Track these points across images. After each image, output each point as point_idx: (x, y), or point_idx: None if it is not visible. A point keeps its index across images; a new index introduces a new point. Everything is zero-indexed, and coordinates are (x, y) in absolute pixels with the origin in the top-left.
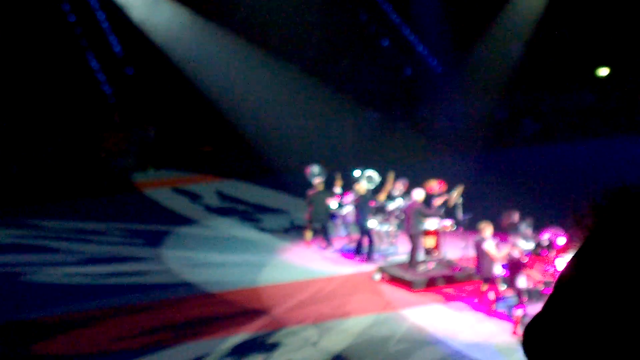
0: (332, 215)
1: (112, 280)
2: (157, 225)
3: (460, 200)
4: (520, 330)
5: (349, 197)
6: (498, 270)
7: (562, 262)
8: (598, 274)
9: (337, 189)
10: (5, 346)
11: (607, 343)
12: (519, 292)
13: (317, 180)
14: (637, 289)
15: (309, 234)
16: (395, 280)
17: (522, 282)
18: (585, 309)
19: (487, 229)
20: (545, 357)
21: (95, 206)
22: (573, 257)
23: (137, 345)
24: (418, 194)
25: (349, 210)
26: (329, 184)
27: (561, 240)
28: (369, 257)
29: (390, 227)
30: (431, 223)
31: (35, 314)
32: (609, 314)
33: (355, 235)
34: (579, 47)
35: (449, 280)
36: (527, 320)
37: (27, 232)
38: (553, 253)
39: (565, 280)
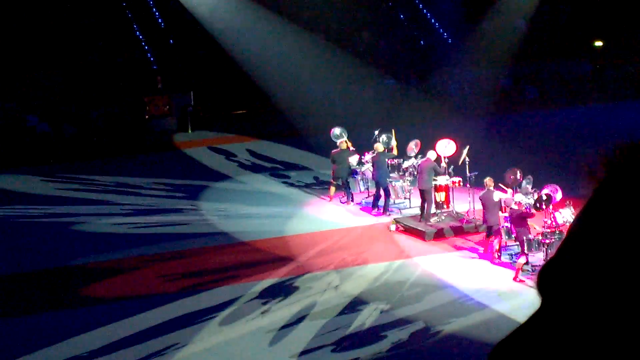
0: (353, 172)
1: (154, 230)
2: (195, 180)
3: (467, 159)
4: (520, 276)
5: (368, 156)
6: (501, 222)
7: (559, 215)
8: (608, 222)
9: (352, 150)
10: (57, 289)
11: (616, 284)
12: (521, 242)
13: (340, 140)
14: None
15: (332, 189)
16: (408, 231)
17: (523, 233)
18: (596, 252)
19: (491, 183)
20: (557, 295)
21: (140, 163)
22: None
23: (176, 288)
24: (432, 154)
25: (367, 167)
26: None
27: (559, 196)
28: (385, 210)
29: (404, 183)
30: (442, 179)
31: (83, 260)
32: (617, 256)
33: (373, 190)
34: (577, 21)
35: (457, 231)
36: (528, 268)
37: (78, 186)
38: (551, 207)
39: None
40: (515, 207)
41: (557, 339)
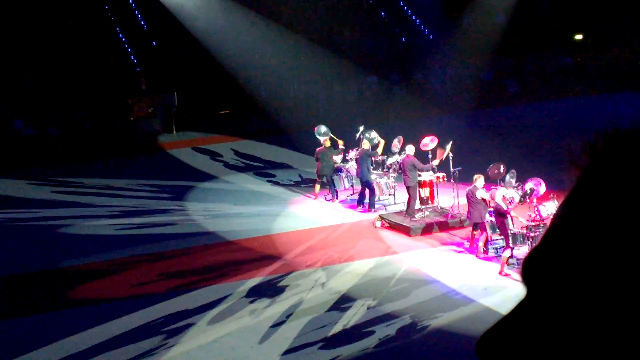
0: (338, 170)
1: (141, 231)
2: (181, 181)
3: (451, 154)
4: (506, 270)
5: (352, 153)
6: (486, 216)
7: (543, 209)
8: (592, 210)
9: (340, 146)
10: (44, 292)
11: (601, 272)
12: (506, 236)
13: (324, 138)
14: (627, 225)
15: (317, 187)
16: (394, 227)
17: (508, 226)
18: (580, 240)
19: (479, 179)
20: (542, 284)
21: (125, 165)
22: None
23: (164, 288)
24: (410, 149)
25: (352, 165)
26: (333, 141)
27: (542, 189)
28: (370, 207)
29: (389, 179)
30: (426, 175)
31: (72, 263)
32: (602, 244)
33: (358, 187)
34: (557, 15)
35: (443, 226)
36: (513, 261)
37: (65, 189)
38: (535, 200)
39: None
40: (500, 202)
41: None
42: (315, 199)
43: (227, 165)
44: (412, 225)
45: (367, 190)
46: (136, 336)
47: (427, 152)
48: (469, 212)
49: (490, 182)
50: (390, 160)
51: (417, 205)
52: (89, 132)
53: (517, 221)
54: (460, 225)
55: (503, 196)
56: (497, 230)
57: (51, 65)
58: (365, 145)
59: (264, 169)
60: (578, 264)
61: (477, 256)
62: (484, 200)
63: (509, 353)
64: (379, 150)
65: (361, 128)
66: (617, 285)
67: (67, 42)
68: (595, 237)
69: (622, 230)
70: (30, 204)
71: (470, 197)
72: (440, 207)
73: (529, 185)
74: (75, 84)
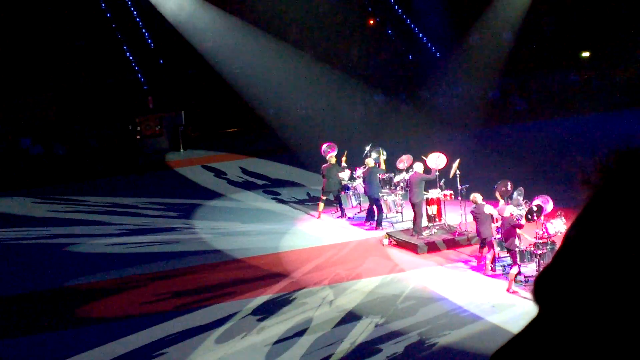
0: (345, 187)
1: (149, 249)
2: (188, 199)
3: (458, 172)
4: (514, 287)
5: (359, 171)
6: (494, 234)
7: (551, 226)
8: (604, 228)
9: (343, 164)
10: (51, 310)
11: (612, 290)
12: (513, 254)
13: (330, 155)
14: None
15: (321, 205)
16: (401, 244)
17: (515, 244)
18: (592, 259)
19: (478, 197)
20: (553, 302)
21: (132, 183)
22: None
23: (172, 306)
24: (418, 167)
25: (359, 182)
26: (339, 159)
27: (550, 206)
28: (378, 225)
29: (396, 197)
30: (433, 192)
31: (79, 281)
32: (614, 263)
33: (365, 204)
34: (563, 33)
35: (450, 243)
36: (520, 278)
37: (72, 207)
38: (543, 218)
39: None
40: (509, 217)
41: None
42: (318, 217)
43: (234, 183)
44: (419, 243)
45: (375, 208)
46: (144, 354)
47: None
48: (477, 229)
49: (496, 199)
50: (397, 178)
51: (425, 222)
52: (96, 150)
53: (524, 239)
54: (468, 242)
55: (511, 213)
56: (505, 247)
57: (59, 84)
58: (370, 163)
59: (271, 187)
60: (590, 283)
61: (484, 273)
62: (491, 215)
63: None
64: (382, 167)
65: (368, 147)
66: (629, 303)
67: (74, 60)
68: (607, 256)
69: (635, 249)
70: (36, 222)
71: (477, 215)
72: (448, 225)
73: (536, 203)
74: (82, 103)
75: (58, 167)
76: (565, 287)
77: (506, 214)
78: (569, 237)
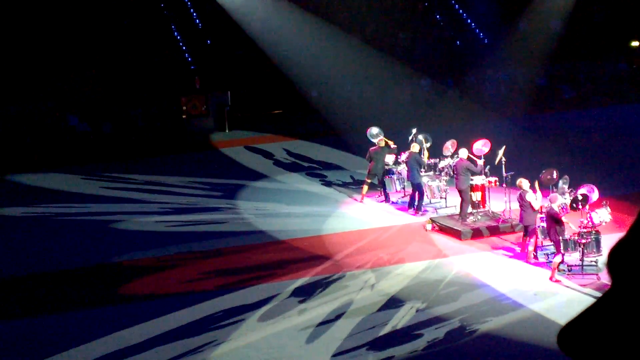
0: (389, 171)
1: (192, 228)
2: (233, 179)
3: (503, 159)
4: (557, 276)
5: (404, 156)
6: (538, 222)
7: (595, 215)
8: None
9: (392, 147)
10: (95, 287)
11: None
12: (557, 242)
13: (379, 138)
14: None
15: (365, 188)
16: (445, 230)
17: (559, 232)
18: None
19: (524, 183)
20: (627, 273)
21: (178, 162)
22: None
23: (214, 286)
24: (463, 153)
25: (403, 167)
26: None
27: (595, 196)
28: (418, 210)
29: (440, 182)
30: (478, 179)
31: (122, 258)
32: None
33: (409, 189)
34: (613, 21)
35: (494, 230)
36: (564, 267)
37: (117, 185)
38: (588, 207)
39: None
40: (556, 207)
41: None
42: (361, 201)
43: (278, 164)
44: (463, 229)
45: (417, 193)
46: (185, 333)
47: (480, 157)
48: (521, 215)
49: (542, 187)
50: (442, 164)
51: (469, 209)
52: (141, 129)
53: (569, 228)
54: (511, 230)
55: (557, 203)
56: (548, 236)
57: (106, 63)
58: (415, 148)
59: (315, 170)
60: None
61: (527, 261)
62: (530, 204)
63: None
64: (424, 158)
65: (414, 130)
66: None
67: (122, 39)
68: None
69: None
70: (83, 198)
71: (521, 201)
72: (492, 212)
73: (581, 192)
74: (129, 82)
75: (104, 145)
76: (638, 259)
77: (555, 204)
78: None
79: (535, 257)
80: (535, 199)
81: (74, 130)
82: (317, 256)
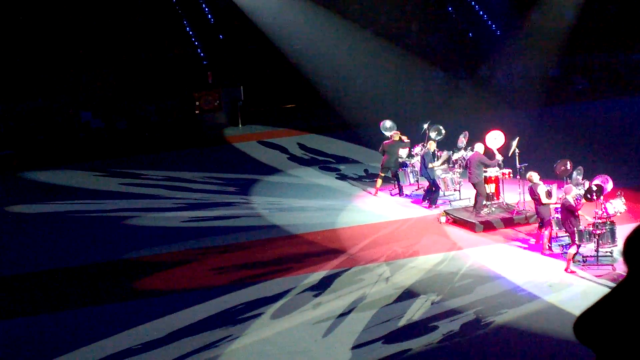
0: (403, 164)
1: (206, 224)
2: (246, 174)
3: (517, 151)
4: (572, 267)
5: (417, 149)
6: (552, 213)
7: (610, 206)
8: None
9: (405, 140)
10: (110, 282)
11: None
12: (572, 233)
13: (390, 133)
14: None
15: (379, 182)
16: (459, 222)
17: (574, 224)
18: None
19: (534, 176)
20: None
21: (191, 157)
22: None
23: (228, 280)
24: (479, 147)
25: (417, 160)
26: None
27: (610, 186)
28: (431, 203)
29: (454, 175)
30: (492, 171)
31: (136, 254)
32: None
33: (423, 182)
34: (627, 13)
35: (508, 222)
36: (579, 258)
37: (131, 181)
38: (602, 197)
39: None
40: (571, 199)
41: None
42: (374, 194)
43: (292, 158)
44: (477, 221)
45: (431, 186)
46: (200, 328)
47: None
48: (535, 208)
49: (556, 179)
50: (455, 156)
51: (483, 201)
52: (155, 125)
53: (583, 219)
54: (526, 221)
55: (571, 194)
56: (563, 227)
57: (119, 59)
58: (432, 146)
59: (329, 163)
60: None
61: (542, 253)
62: (539, 197)
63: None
64: (437, 162)
65: (426, 124)
66: None
67: (134, 35)
68: None
69: None
70: (96, 195)
71: (532, 195)
72: (506, 204)
73: (596, 182)
74: (142, 78)
75: (118, 141)
76: None
77: (570, 196)
78: None
79: (550, 248)
80: (548, 196)
81: (88, 127)
82: (332, 250)
